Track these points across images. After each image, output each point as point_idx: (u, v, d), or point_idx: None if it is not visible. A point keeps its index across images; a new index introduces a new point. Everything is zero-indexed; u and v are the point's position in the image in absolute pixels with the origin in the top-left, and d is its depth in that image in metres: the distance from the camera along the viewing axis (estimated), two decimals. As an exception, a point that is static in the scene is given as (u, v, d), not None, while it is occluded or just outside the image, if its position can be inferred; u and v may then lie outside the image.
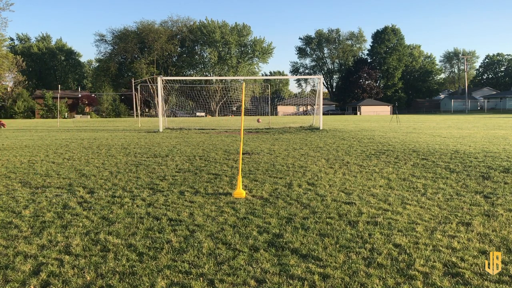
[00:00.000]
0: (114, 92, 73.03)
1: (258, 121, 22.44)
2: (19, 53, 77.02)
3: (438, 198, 5.24)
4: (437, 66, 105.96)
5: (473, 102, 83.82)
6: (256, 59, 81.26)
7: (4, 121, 29.36)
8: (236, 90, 51.09)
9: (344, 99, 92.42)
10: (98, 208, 4.84)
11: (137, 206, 4.94)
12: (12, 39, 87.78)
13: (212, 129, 21.23)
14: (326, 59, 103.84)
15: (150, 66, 76.12)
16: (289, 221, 4.28)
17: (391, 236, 3.77)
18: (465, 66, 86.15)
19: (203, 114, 59.12)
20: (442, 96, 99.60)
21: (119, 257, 3.31)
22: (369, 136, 15.37)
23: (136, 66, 73.68)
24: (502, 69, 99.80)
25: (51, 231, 3.99)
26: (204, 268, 3.08)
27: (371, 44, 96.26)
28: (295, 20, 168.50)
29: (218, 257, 3.31)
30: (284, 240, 3.68)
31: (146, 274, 2.99)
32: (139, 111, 35.22)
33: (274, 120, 29.38)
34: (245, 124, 23.30)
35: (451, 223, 4.14)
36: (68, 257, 3.33)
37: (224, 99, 57.60)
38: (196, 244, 3.59)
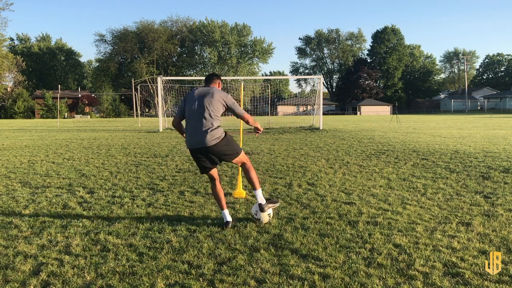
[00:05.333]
0: (114, 92, 73.02)
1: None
2: (19, 53, 77.05)
3: (438, 198, 5.23)
4: (437, 66, 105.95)
5: (473, 102, 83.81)
6: (256, 59, 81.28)
7: None
8: (236, 90, 51.08)
9: (344, 99, 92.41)
10: (98, 208, 4.84)
11: (137, 206, 4.94)
12: (12, 39, 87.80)
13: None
14: (326, 59, 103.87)
15: (150, 66, 76.10)
16: (289, 221, 4.28)
17: (391, 236, 3.77)
18: (465, 66, 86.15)
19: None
20: (442, 96, 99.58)
21: (119, 257, 3.31)
22: (369, 136, 15.37)
23: (136, 66, 73.65)
24: (502, 69, 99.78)
25: (51, 231, 3.99)
26: (204, 268, 3.08)
27: (371, 44, 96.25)
28: (295, 20, 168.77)
29: (218, 257, 3.31)
30: (284, 240, 3.68)
31: (146, 274, 2.99)
32: (139, 111, 35.21)
33: (274, 120, 29.35)
34: (244, 124, 23.37)
35: (451, 223, 4.14)
36: (68, 257, 3.33)
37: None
38: (196, 244, 3.59)
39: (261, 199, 4.15)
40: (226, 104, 4.15)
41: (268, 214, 4.18)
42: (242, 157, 4.24)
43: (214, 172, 4.25)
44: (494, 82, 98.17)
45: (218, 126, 4.09)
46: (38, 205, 5.01)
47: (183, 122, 4.33)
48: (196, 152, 4.09)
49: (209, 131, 3.99)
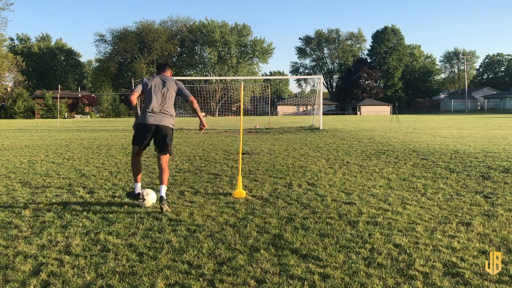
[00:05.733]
0: (114, 92, 72.99)
1: (255, 127, 22.64)
2: (19, 53, 77.02)
3: (438, 198, 5.24)
4: (437, 66, 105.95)
5: (473, 102, 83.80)
6: (256, 59, 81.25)
7: None
8: (236, 90, 51.06)
9: (344, 99, 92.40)
10: (98, 208, 4.84)
11: (137, 206, 4.94)
12: (12, 39, 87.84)
13: (212, 129, 21.24)
14: (326, 59, 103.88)
15: (150, 66, 76.06)
16: (289, 221, 4.28)
17: (391, 236, 3.77)
18: (465, 66, 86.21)
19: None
20: (442, 96, 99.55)
21: (119, 257, 3.31)
22: (369, 136, 15.37)
23: (136, 66, 73.62)
24: (502, 69, 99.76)
25: (51, 231, 3.99)
26: (204, 268, 3.08)
27: (371, 44, 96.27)
28: (295, 20, 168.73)
29: (218, 257, 3.31)
30: (284, 240, 3.68)
31: (146, 274, 2.99)
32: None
33: (274, 120, 29.36)
34: (245, 124, 23.33)
35: (451, 223, 4.14)
36: (68, 257, 3.33)
37: (224, 99, 57.69)
38: (196, 244, 3.59)
39: (164, 193, 4.72)
40: (178, 88, 4.93)
41: (153, 203, 4.87)
42: (168, 157, 4.95)
43: (141, 151, 4.91)
44: (494, 82, 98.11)
45: (173, 116, 4.89)
46: (38, 205, 5.01)
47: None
48: (148, 127, 4.74)
49: (168, 115, 4.83)
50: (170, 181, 6.53)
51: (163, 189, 4.72)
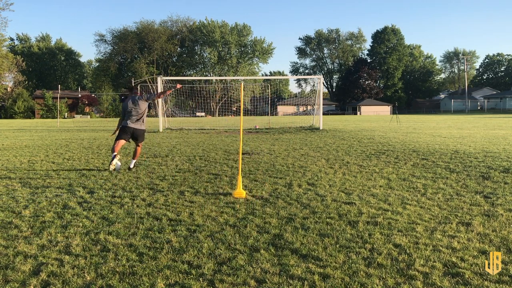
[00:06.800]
0: (114, 92, 72.99)
1: (255, 127, 22.66)
2: (19, 53, 77.08)
3: (438, 198, 5.24)
4: (437, 66, 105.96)
5: (473, 102, 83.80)
6: (256, 59, 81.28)
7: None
8: (236, 90, 51.07)
9: (344, 99, 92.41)
10: (98, 208, 4.84)
11: (137, 206, 4.94)
12: (12, 39, 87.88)
13: (212, 129, 21.24)
14: (326, 59, 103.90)
15: (150, 66, 76.09)
16: (289, 221, 4.28)
17: (391, 236, 3.77)
18: (465, 66, 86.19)
19: (203, 114, 59.20)
20: (442, 96, 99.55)
21: (119, 257, 3.31)
22: (369, 136, 15.37)
23: (136, 66, 73.64)
24: (502, 69, 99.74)
25: (51, 231, 3.98)
26: (204, 268, 3.08)
27: (371, 44, 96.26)
28: (295, 20, 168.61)
29: (218, 257, 3.31)
30: (284, 240, 3.68)
31: (146, 274, 2.99)
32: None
33: (274, 120, 29.34)
34: (244, 124, 23.30)
35: (451, 223, 4.14)
36: (68, 257, 3.33)
37: (224, 99, 57.73)
38: (196, 244, 3.59)
39: (133, 165, 7.67)
40: (148, 102, 7.61)
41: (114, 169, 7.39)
42: (142, 145, 7.91)
43: (123, 142, 7.49)
44: (494, 82, 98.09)
45: (144, 121, 7.61)
46: (38, 205, 5.00)
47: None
48: (129, 128, 7.44)
49: (141, 122, 7.59)
50: (170, 181, 6.55)
51: (133, 162, 7.61)
